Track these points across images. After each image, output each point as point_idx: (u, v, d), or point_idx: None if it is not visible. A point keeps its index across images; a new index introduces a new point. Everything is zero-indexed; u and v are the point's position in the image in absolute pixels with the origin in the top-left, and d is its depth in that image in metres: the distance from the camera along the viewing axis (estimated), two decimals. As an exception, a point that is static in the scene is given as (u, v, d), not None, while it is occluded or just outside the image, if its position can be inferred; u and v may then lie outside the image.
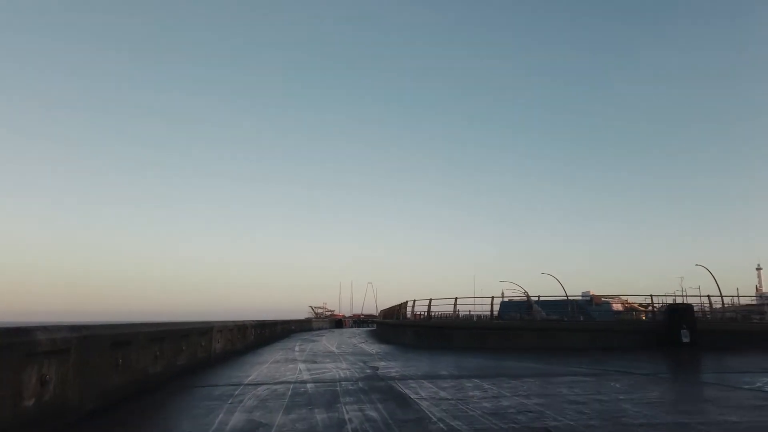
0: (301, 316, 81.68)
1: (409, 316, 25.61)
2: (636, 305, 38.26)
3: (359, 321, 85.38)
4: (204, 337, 14.90)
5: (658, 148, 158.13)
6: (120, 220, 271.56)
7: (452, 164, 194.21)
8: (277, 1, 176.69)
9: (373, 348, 21.09)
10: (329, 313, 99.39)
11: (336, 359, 15.38)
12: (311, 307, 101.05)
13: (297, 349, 21.04)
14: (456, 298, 21.36)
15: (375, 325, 79.10)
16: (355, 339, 30.33)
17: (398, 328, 25.29)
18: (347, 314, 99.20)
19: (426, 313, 23.05)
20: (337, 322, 72.66)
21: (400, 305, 28.04)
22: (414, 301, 23.77)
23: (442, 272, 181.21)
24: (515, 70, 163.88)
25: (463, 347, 19.65)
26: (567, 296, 38.33)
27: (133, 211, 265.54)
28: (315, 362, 14.42)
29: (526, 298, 36.51)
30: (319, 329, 57.22)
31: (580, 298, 43.46)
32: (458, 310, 22.55)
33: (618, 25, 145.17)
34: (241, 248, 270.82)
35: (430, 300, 22.64)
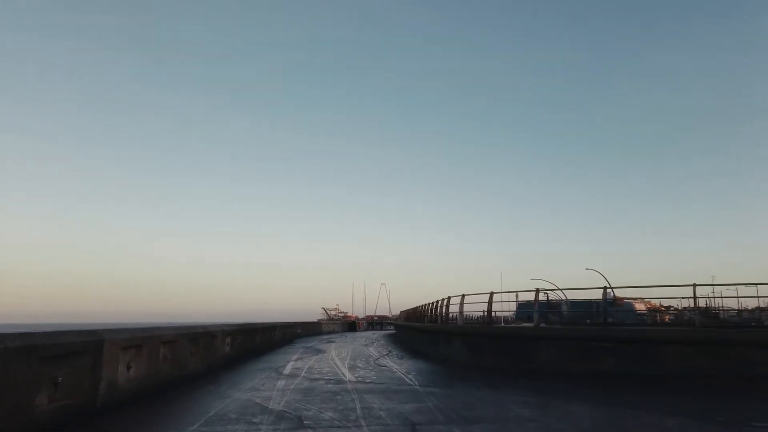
0: (315, 318, 73.98)
1: (453, 317, 17.47)
2: (659, 306, 31.52)
3: (373, 323, 77.37)
4: (73, 362, 6.90)
5: (659, 149, 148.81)
6: (122, 222, 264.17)
7: (455, 164, 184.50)
8: (277, 1, 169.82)
9: (406, 370, 12.95)
10: (342, 314, 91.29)
11: (345, 409, 7.23)
12: (324, 308, 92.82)
13: (287, 371, 12.96)
14: (537, 290, 13.02)
15: (392, 328, 70.76)
16: (374, 349, 22.18)
17: (437, 335, 17.10)
18: (360, 316, 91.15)
19: (485, 314, 14.75)
20: (350, 325, 64.42)
21: (436, 303, 19.90)
22: (462, 296, 15.65)
23: (448, 273, 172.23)
24: (516, 70, 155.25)
25: (556, 372, 11.46)
26: (613, 293, 30.27)
27: (135, 213, 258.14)
28: (300, 422, 6.31)
29: (545, 299, 28.49)
30: (330, 333, 49.06)
31: (600, 298, 36.64)
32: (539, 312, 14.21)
33: (621, 26, 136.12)
34: (251, 251, 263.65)
35: (492, 294, 14.47)
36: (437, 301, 19.75)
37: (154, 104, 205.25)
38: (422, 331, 20.94)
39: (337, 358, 16.81)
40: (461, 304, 15.72)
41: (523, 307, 23.63)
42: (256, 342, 20.94)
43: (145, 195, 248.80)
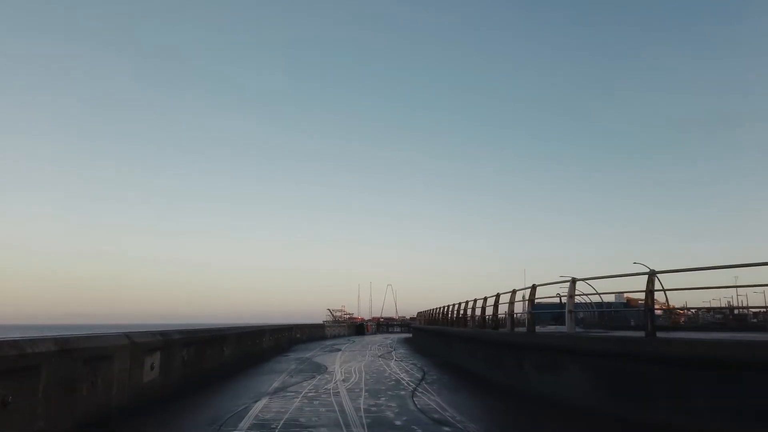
0: (320, 320, 66.83)
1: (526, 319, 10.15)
2: (675, 308, 29.15)
3: (379, 324, 70.57)
4: None
5: (661, 151, 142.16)
6: (121, 222, 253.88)
7: (460, 164, 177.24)
8: (277, 0, 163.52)
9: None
10: (348, 316, 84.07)
11: None
12: (329, 309, 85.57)
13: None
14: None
15: (400, 329, 63.39)
16: (395, 365, 14.92)
17: (515, 352, 9.75)
18: (366, 317, 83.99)
19: (666, 310, 7.23)
20: (357, 328, 56.76)
21: (496, 299, 12.46)
22: (573, 280, 8.22)
23: (455, 275, 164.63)
24: (518, 73, 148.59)
25: None
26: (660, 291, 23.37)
27: (134, 213, 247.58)
28: None
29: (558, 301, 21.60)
30: (335, 337, 41.63)
31: (614, 300, 31.16)
32: None
33: (623, 28, 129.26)
34: (254, 253, 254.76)
35: (653, 274, 7.06)
36: (498, 296, 12.39)
37: (154, 104, 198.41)
38: (470, 342, 13.62)
39: (345, 389, 9.58)
40: (571, 297, 8.39)
41: (539, 309, 16.53)
42: (224, 356, 13.68)
43: (143, 195, 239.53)
